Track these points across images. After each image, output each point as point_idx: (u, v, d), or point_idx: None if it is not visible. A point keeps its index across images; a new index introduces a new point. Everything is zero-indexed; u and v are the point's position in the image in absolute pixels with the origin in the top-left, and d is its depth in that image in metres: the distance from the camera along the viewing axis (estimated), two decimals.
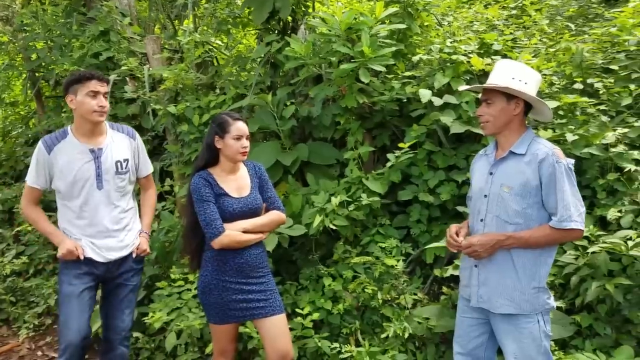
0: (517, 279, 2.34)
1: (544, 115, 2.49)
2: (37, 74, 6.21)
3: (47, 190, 2.96)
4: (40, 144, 2.89)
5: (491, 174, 2.44)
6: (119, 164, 2.96)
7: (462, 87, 2.67)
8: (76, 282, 2.86)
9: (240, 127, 2.72)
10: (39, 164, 2.88)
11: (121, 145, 3.01)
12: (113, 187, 2.93)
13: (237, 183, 2.79)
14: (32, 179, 2.92)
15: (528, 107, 2.40)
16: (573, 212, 2.24)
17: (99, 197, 2.89)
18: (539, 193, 2.30)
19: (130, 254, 3.02)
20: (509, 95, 2.35)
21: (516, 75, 2.34)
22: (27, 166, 6.43)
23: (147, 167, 3.19)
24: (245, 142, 2.73)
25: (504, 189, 2.35)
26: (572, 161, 2.33)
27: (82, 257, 2.84)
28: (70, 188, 2.86)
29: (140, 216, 3.17)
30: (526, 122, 2.46)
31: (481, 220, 2.44)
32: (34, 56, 5.99)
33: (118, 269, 2.98)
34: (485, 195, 2.43)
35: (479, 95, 3.56)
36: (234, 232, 2.68)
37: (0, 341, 4.60)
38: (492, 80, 2.40)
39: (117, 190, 2.96)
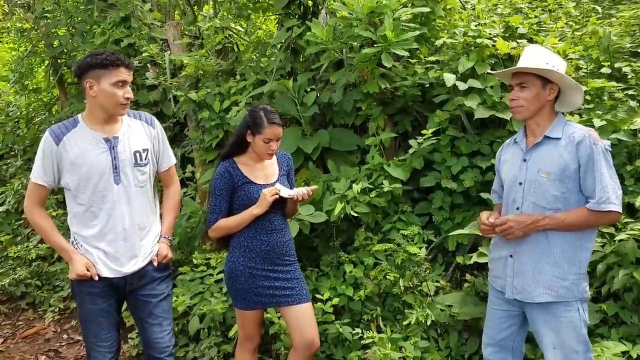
0: (555, 265, 2.30)
1: (571, 105, 2.43)
2: (59, 61, 6.26)
3: (55, 188, 2.62)
4: (47, 134, 2.52)
5: (525, 160, 2.39)
6: (137, 154, 2.60)
7: (498, 72, 2.60)
8: (99, 300, 2.60)
9: (272, 132, 2.68)
10: (45, 156, 2.51)
11: (139, 133, 2.65)
12: (132, 181, 2.58)
13: (263, 171, 2.80)
14: (38, 175, 2.54)
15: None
16: (611, 194, 2.20)
17: (116, 193, 2.53)
18: (577, 177, 2.26)
19: (150, 263, 2.67)
20: (544, 80, 2.30)
21: (550, 60, 2.29)
22: None
23: (169, 159, 2.82)
24: (274, 145, 2.71)
25: (542, 174, 2.30)
26: (609, 143, 2.30)
27: (95, 278, 2.54)
28: (84, 183, 2.50)
29: (160, 217, 2.82)
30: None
31: (517, 208, 2.39)
32: (55, 43, 6.04)
33: (139, 281, 2.66)
34: (520, 183, 2.38)
35: (504, 79, 3.52)
36: (220, 222, 2.74)
37: (26, 324, 4.71)
38: (527, 64, 2.34)
39: (137, 185, 2.60)
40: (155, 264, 2.69)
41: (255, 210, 2.68)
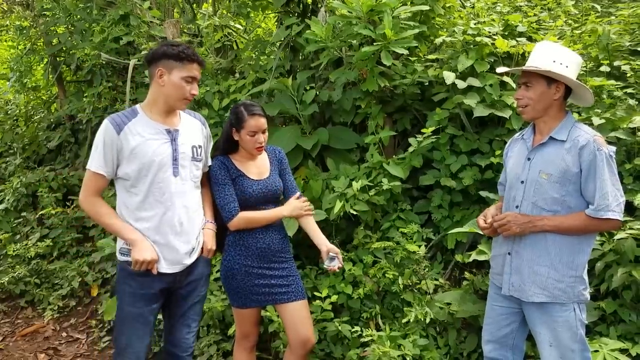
0: (552, 267, 2.30)
1: (585, 100, 2.43)
2: (58, 59, 6.26)
3: (113, 178, 2.50)
4: (107, 122, 2.42)
5: (529, 159, 2.39)
6: (194, 149, 2.58)
7: (501, 69, 2.59)
8: (141, 304, 2.51)
9: (255, 123, 2.67)
10: (106, 146, 2.40)
11: (196, 130, 2.64)
12: (189, 174, 2.55)
13: (257, 168, 2.82)
14: (98, 164, 2.42)
15: (568, 91, 2.34)
16: (611, 201, 2.19)
17: (174, 185, 2.48)
18: (579, 180, 2.25)
19: (199, 258, 2.62)
20: (549, 79, 2.29)
21: (557, 58, 2.28)
22: (50, 150, 6.53)
23: (209, 161, 2.81)
24: (261, 138, 2.70)
25: (542, 175, 2.30)
26: (614, 149, 2.27)
27: (155, 272, 2.45)
28: (144, 172, 2.43)
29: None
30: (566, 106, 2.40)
31: (517, 207, 2.39)
32: (55, 41, 6.04)
33: (187, 278, 2.60)
34: (522, 182, 2.38)
35: (504, 78, 3.53)
36: (247, 213, 2.70)
37: (25, 322, 4.70)
38: (533, 63, 2.33)
39: (192, 179, 2.58)
40: (205, 253, 2.64)
41: (286, 212, 2.79)
